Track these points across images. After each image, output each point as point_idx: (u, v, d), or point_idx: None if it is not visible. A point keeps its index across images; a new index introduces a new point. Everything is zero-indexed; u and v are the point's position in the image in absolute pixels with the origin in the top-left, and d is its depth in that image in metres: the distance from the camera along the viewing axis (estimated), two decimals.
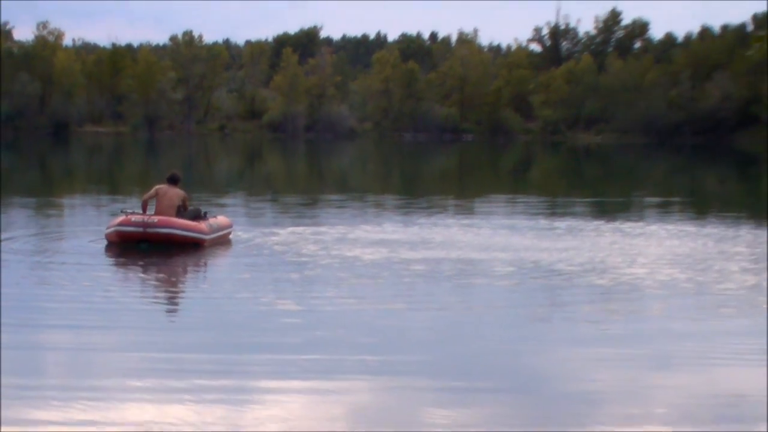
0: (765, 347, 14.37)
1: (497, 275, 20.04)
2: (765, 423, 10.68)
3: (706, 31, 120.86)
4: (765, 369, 13.13)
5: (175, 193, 23.13)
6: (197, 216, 23.41)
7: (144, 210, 23.31)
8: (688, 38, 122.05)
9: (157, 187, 23.52)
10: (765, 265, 21.64)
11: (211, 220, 23.69)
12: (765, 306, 17.26)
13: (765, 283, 19.33)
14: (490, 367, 13.27)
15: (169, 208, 22.82)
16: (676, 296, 18.08)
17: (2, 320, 15.40)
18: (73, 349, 13.94)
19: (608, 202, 40.13)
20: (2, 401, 11.05)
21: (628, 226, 29.42)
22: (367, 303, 17.26)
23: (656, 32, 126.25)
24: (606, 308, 17.46)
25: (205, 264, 21.84)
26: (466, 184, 53.31)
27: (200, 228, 22.97)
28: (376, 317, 16.05)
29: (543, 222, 30.65)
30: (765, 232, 27.99)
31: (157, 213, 22.84)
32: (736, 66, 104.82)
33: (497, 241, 25.34)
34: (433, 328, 15.68)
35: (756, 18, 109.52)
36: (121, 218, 22.93)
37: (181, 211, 23.05)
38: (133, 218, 22.66)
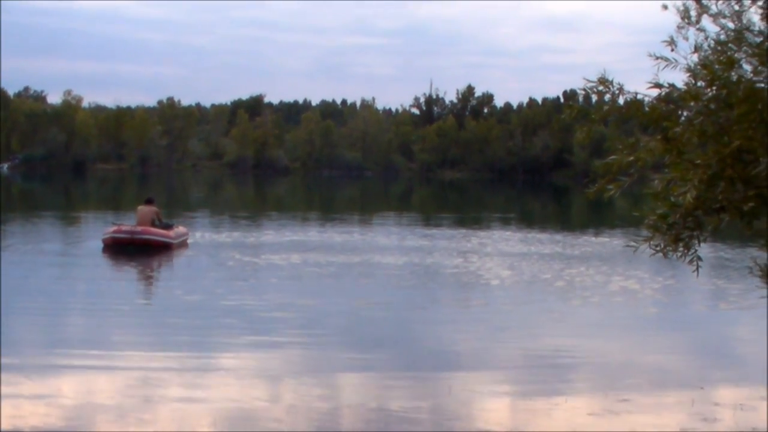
0: (563, 316, 14.63)
1: (388, 271, 20.03)
2: (575, 367, 10.81)
3: (532, 102, 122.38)
4: (571, 332, 13.43)
5: (150, 210, 23.05)
6: (168, 227, 23.25)
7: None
8: (520, 106, 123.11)
9: (139, 207, 23.44)
10: (577, 263, 21.99)
11: (176, 229, 23.51)
12: (575, 292, 17.52)
13: (577, 275, 19.61)
14: (380, 331, 13.33)
15: (145, 221, 22.70)
16: (513, 285, 18.23)
17: (31, 303, 15.00)
18: (85, 319, 13.70)
19: (466, 217, 40.33)
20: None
21: (479, 233, 29.71)
22: (286, 296, 17.17)
23: (499, 102, 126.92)
24: (462, 292, 17.56)
25: (172, 261, 21.47)
26: (366, 205, 53.30)
27: (169, 235, 22.86)
28: (296, 303, 15.94)
29: (420, 231, 30.78)
30: (573, 238, 28.62)
31: (137, 224, 22.61)
32: (553, 126, 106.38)
33: (388, 243, 25.40)
34: (343, 310, 15.67)
35: (566, 93, 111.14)
36: (114, 228, 22.72)
37: (156, 222, 22.85)
38: (123, 228, 22.45)
